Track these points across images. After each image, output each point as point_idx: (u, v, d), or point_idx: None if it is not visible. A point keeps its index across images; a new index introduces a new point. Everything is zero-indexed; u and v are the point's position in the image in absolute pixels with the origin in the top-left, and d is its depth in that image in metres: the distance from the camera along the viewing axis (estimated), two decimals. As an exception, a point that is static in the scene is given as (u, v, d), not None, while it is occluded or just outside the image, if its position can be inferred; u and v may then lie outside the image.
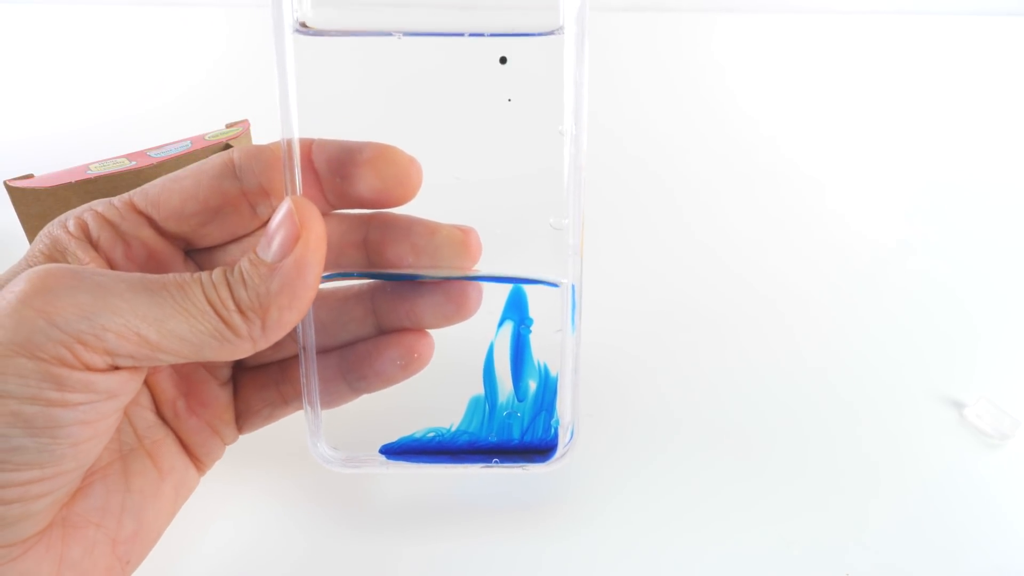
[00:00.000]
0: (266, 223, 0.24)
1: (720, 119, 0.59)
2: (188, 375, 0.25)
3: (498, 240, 0.25)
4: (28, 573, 0.20)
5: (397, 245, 0.24)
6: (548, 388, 0.26)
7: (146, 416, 0.24)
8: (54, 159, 0.41)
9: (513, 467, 0.26)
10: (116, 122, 0.54)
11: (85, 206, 0.23)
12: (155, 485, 0.23)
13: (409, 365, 0.26)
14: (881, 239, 0.46)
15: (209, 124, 0.43)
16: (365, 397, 0.26)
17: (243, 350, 0.21)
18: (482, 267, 0.25)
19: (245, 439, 0.27)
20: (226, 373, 0.26)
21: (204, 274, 0.20)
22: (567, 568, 0.28)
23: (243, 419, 0.26)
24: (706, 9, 0.75)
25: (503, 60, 0.22)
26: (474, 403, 0.26)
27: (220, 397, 0.25)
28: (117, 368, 0.19)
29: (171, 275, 0.20)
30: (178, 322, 0.19)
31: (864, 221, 0.48)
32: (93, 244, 0.22)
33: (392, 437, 0.26)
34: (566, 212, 0.23)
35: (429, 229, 0.24)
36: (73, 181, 0.36)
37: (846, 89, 0.64)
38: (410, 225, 0.24)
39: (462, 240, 0.24)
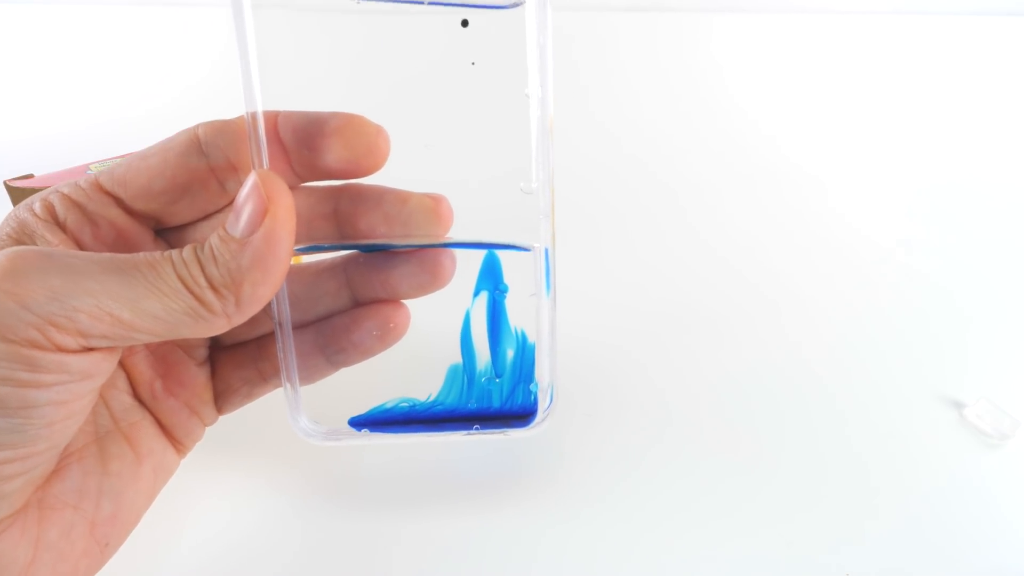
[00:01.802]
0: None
1: (720, 119, 0.59)
2: (164, 356, 0.25)
3: (470, 207, 0.24)
4: (4, 554, 0.20)
5: (368, 216, 0.24)
6: (526, 354, 0.26)
7: (122, 399, 0.24)
8: (54, 159, 0.41)
9: (494, 433, 0.26)
10: (116, 122, 0.54)
11: (51, 188, 0.23)
12: (133, 468, 0.23)
13: (386, 336, 0.25)
14: (881, 239, 0.46)
15: (209, 124, 0.43)
16: (345, 371, 0.26)
17: (218, 326, 0.21)
18: (454, 234, 0.25)
19: (226, 421, 0.27)
20: (203, 353, 0.25)
21: (175, 252, 0.20)
22: (555, 552, 0.28)
23: (222, 399, 0.26)
24: (706, 9, 0.75)
25: (464, 23, 0.22)
26: (452, 372, 0.26)
27: (198, 377, 0.25)
28: (91, 349, 0.19)
29: (142, 254, 0.20)
30: (151, 301, 0.19)
31: (864, 221, 0.48)
32: (60, 226, 0.22)
33: (366, 409, 0.26)
34: (535, 176, 0.23)
35: (400, 198, 0.24)
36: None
37: (846, 89, 0.64)
38: (381, 195, 0.24)
39: (433, 208, 0.24)
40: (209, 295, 0.20)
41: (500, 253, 0.25)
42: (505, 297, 0.26)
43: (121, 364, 0.24)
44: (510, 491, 0.31)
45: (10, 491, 0.19)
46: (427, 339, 0.26)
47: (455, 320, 0.26)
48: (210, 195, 0.23)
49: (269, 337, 0.26)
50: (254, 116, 0.22)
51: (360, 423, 0.26)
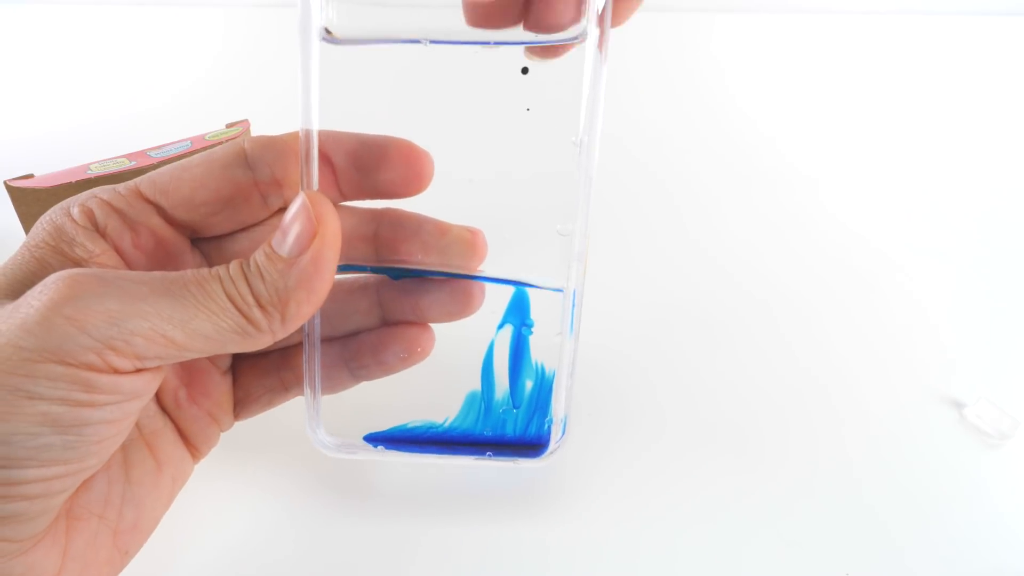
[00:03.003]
0: (276, 213, 0.24)
1: (720, 119, 0.59)
2: (190, 366, 0.25)
3: (506, 243, 0.25)
4: (35, 566, 0.20)
5: (407, 242, 0.25)
6: (544, 388, 0.27)
7: (148, 407, 0.24)
8: (54, 159, 0.41)
9: (505, 461, 0.27)
10: (116, 122, 0.54)
11: (87, 193, 0.23)
12: (154, 475, 0.23)
13: (411, 357, 0.26)
14: (881, 239, 0.46)
15: (209, 124, 0.43)
16: (365, 388, 0.27)
17: (263, 342, 0.21)
18: (488, 268, 0.26)
19: (241, 428, 0.27)
20: (227, 362, 0.26)
21: (222, 269, 0.21)
22: (560, 556, 0.28)
23: (241, 406, 0.26)
24: (706, 9, 0.74)
25: (525, 71, 0.23)
26: (471, 399, 0.27)
27: (221, 386, 0.25)
28: (142, 370, 0.20)
29: (189, 273, 0.20)
30: (202, 321, 0.20)
31: (864, 221, 0.48)
32: (100, 232, 0.22)
33: (388, 427, 0.27)
34: (573, 219, 0.24)
35: (440, 229, 0.25)
36: (73, 181, 0.36)
37: (846, 89, 0.64)
38: (420, 223, 0.25)
39: (470, 241, 0.25)
40: (256, 313, 0.20)
41: (529, 290, 0.26)
42: (530, 332, 0.26)
43: None
44: (516, 492, 0.31)
45: (55, 506, 0.20)
46: (450, 365, 0.27)
47: (479, 349, 0.26)
48: (252, 208, 0.24)
49: (294, 348, 0.26)
50: (308, 135, 0.22)
51: (377, 439, 0.27)
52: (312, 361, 0.25)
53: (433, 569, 0.28)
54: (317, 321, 0.25)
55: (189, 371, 0.25)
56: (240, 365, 0.26)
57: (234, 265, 0.21)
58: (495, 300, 0.26)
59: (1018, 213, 0.49)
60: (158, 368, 0.20)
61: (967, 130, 0.59)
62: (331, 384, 0.26)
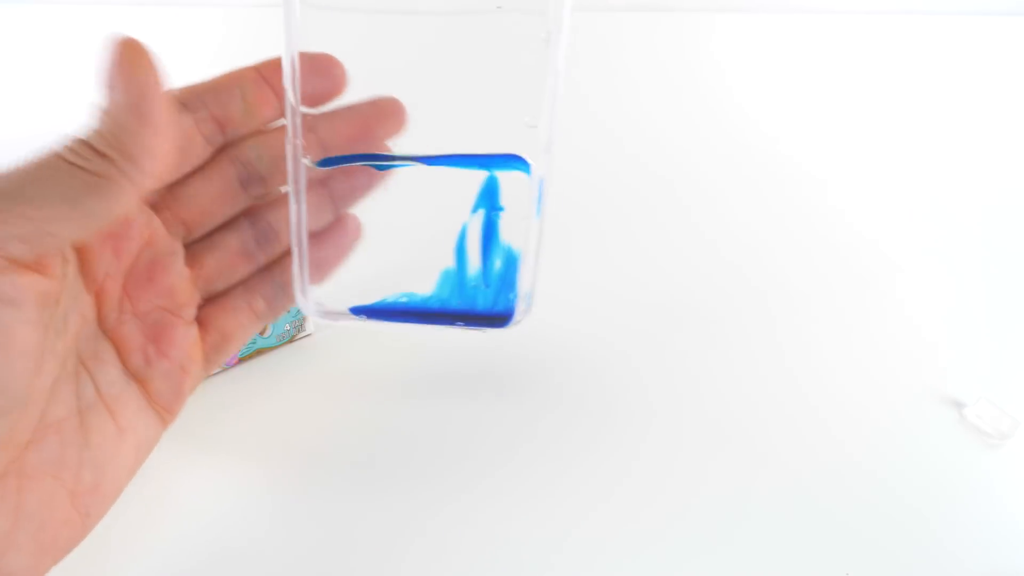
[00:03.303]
0: (218, 149, 0.25)
1: (720, 119, 0.59)
2: (155, 322, 0.25)
3: (478, 137, 0.27)
4: None
5: (342, 131, 0.26)
6: (511, 266, 0.29)
7: (107, 372, 0.24)
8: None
9: (475, 330, 0.29)
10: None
11: None
12: (115, 440, 0.23)
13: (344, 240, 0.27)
14: (881, 239, 0.46)
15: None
16: (350, 265, 0.28)
17: (126, 192, 0.21)
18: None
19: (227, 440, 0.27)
20: (191, 312, 0.26)
21: (58, 143, 0.21)
22: (561, 558, 0.28)
23: (219, 348, 0.26)
24: (706, 9, 0.74)
25: None
26: (446, 275, 0.29)
27: (188, 336, 0.25)
28: (16, 264, 0.19)
29: (33, 159, 0.20)
30: (50, 187, 0.20)
31: (864, 221, 0.48)
32: None
33: (371, 300, 0.29)
34: (540, 112, 0.26)
35: (358, 107, 0.25)
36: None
37: (846, 89, 0.64)
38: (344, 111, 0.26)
39: (391, 102, 0.25)
40: (99, 163, 0.20)
41: (499, 176, 0.28)
42: (499, 216, 0.28)
43: (109, 336, 0.24)
44: (506, 500, 0.31)
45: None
46: (426, 245, 0.29)
47: (453, 230, 0.28)
48: (195, 149, 0.24)
49: (255, 277, 0.27)
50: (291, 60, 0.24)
51: (362, 311, 0.29)
52: (299, 226, 0.26)
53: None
54: (302, 180, 0.25)
55: (155, 327, 0.25)
56: (209, 312, 0.26)
57: (64, 140, 0.21)
58: (468, 186, 0.28)
59: (1018, 213, 0.49)
60: (33, 270, 0.20)
61: (967, 130, 0.59)
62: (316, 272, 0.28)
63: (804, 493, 0.31)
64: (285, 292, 0.27)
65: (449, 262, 0.29)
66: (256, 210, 0.26)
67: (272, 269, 0.27)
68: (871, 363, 0.37)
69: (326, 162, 0.26)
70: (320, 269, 0.27)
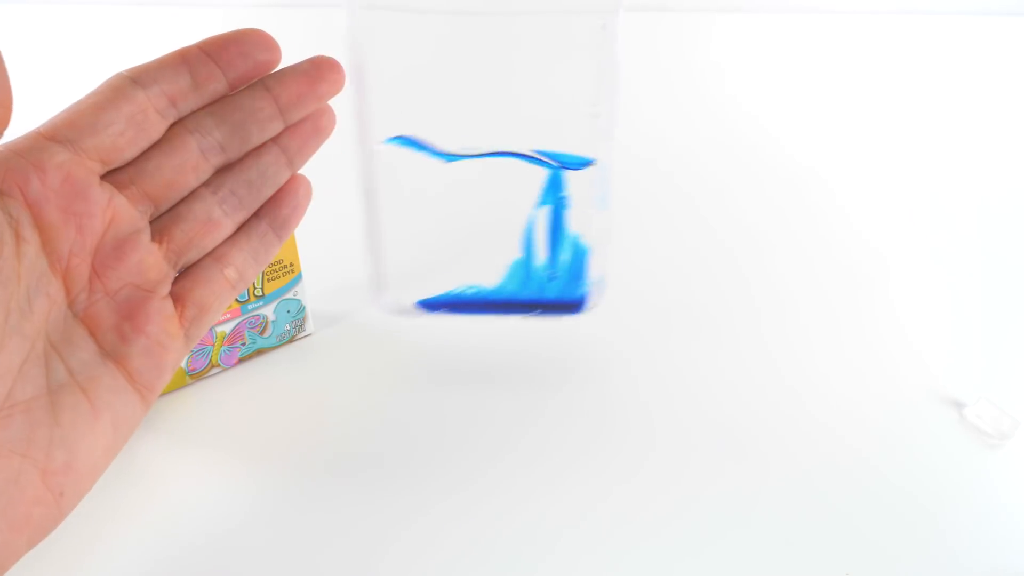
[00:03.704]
0: (173, 124, 0.25)
1: (720, 119, 0.59)
2: (127, 299, 0.25)
3: (542, 128, 0.28)
4: None
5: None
6: (581, 253, 0.30)
7: (80, 355, 0.24)
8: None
9: (548, 318, 0.31)
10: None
11: None
12: (88, 420, 0.23)
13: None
14: (881, 239, 0.46)
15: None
16: (420, 259, 0.30)
17: None
18: (525, 149, 0.29)
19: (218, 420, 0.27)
20: (165, 288, 0.26)
21: None
22: (561, 556, 0.28)
23: (198, 321, 0.26)
24: (706, 9, 0.74)
25: None
26: (515, 266, 0.30)
27: (163, 309, 0.25)
28: None
29: None
30: None
31: (864, 221, 0.48)
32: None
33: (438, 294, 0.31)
34: (601, 100, 0.27)
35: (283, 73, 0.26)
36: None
37: (846, 89, 0.64)
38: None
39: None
40: None
41: (567, 171, 0.29)
42: (565, 206, 0.29)
43: (81, 317, 0.24)
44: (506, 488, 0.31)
45: None
46: (495, 238, 0.30)
47: (520, 222, 0.30)
48: (150, 122, 0.24)
49: (224, 245, 0.27)
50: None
51: (431, 305, 0.31)
52: (375, 232, 0.28)
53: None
54: (377, 191, 0.27)
55: (127, 304, 0.25)
56: (183, 285, 0.26)
57: None
58: (534, 180, 0.29)
59: (1018, 213, 0.49)
60: None
61: (967, 130, 0.59)
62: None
63: (804, 493, 0.31)
64: (255, 259, 0.27)
65: (517, 254, 0.30)
66: (217, 177, 0.26)
67: (238, 237, 0.27)
68: (871, 363, 0.37)
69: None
70: (282, 230, 0.28)
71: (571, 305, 0.31)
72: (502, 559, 0.28)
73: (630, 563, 0.28)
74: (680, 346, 0.38)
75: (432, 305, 0.30)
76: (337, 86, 0.27)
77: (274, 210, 0.28)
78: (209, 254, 0.27)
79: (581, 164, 0.28)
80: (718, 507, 0.30)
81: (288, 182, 0.28)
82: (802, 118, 0.60)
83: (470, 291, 0.30)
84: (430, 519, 0.30)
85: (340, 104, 0.27)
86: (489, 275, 0.30)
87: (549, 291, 0.31)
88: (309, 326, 0.38)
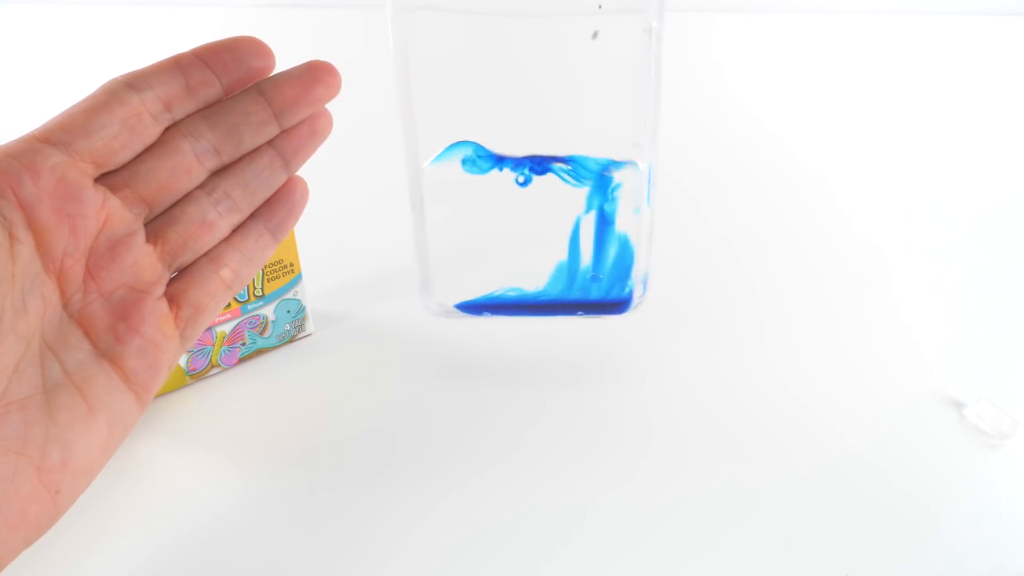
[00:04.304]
0: (167, 129, 0.25)
1: (720, 119, 0.59)
2: (121, 299, 0.25)
3: (587, 131, 0.29)
4: None
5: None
6: (626, 255, 0.31)
7: (75, 355, 0.24)
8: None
9: (594, 317, 0.32)
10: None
11: None
12: (84, 419, 0.23)
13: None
14: (881, 238, 0.46)
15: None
16: (469, 264, 0.31)
17: None
18: (572, 151, 0.30)
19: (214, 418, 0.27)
20: (159, 289, 0.26)
21: None
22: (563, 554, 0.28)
23: (193, 322, 0.27)
24: (706, 9, 0.74)
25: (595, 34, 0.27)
26: (559, 268, 0.31)
27: (158, 310, 0.25)
28: None
29: None
30: None
31: (864, 221, 0.48)
32: None
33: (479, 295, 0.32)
34: (646, 104, 0.28)
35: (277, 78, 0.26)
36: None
37: (846, 89, 0.64)
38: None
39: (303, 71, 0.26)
40: None
41: (612, 173, 0.30)
42: (612, 210, 0.30)
43: (76, 318, 0.24)
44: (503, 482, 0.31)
45: None
46: (541, 239, 0.31)
47: (567, 225, 0.30)
48: (144, 126, 0.24)
49: (219, 247, 0.27)
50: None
51: (472, 307, 0.31)
52: (421, 237, 0.28)
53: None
54: (424, 210, 0.28)
55: (121, 305, 0.25)
56: (178, 286, 0.27)
57: None
58: (581, 182, 0.30)
59: (1018, 213, 0.49)
60: None
61: (967, 130, 0.59)
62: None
63: (804, 493, 0.31)
64: (250, 260, 0.27)
65: (562, 256, 0.31)
66: (212, 179, 0.27)
67: (234, 238, 0.27)
68: (871, 363, 0.37)
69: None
70: (278, 231, 0.28)
71: (616, 304, 0.32)
72: (503, 559, 0.28)
73: (632, 562, 0.28)
74: (680, 346, 0.38)
75: (473, 307, 0.31)
76: (333, 90, 0.27)
77: (270, 211, 0.28)
78: (204, 255, 0.27)
79: (624, 166, 0.29)
80: (718, 506, 0.30)
81: (285, 184, 0.28)
82: (803, 118, 0.60)
83: (511, 293, 0.31)
84: (431, 519, 0.30)
85: (336, 107, 0.27)
86: (535, 278, 0.31)
87: (593, 292, 0.31)
88: (309, 326, 0.38)
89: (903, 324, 0.40)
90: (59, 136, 0.23)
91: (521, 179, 0.29)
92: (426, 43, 0.27)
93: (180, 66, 0.25)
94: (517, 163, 0.29)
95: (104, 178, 0.25)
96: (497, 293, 0.31)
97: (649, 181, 0.29)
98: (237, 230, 0.27)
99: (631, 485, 0.31)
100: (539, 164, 0.29)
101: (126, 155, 0.24)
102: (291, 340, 0.38)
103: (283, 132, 0.27)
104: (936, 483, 0.31)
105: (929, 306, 0.41)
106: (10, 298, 0.22)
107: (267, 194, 0.28)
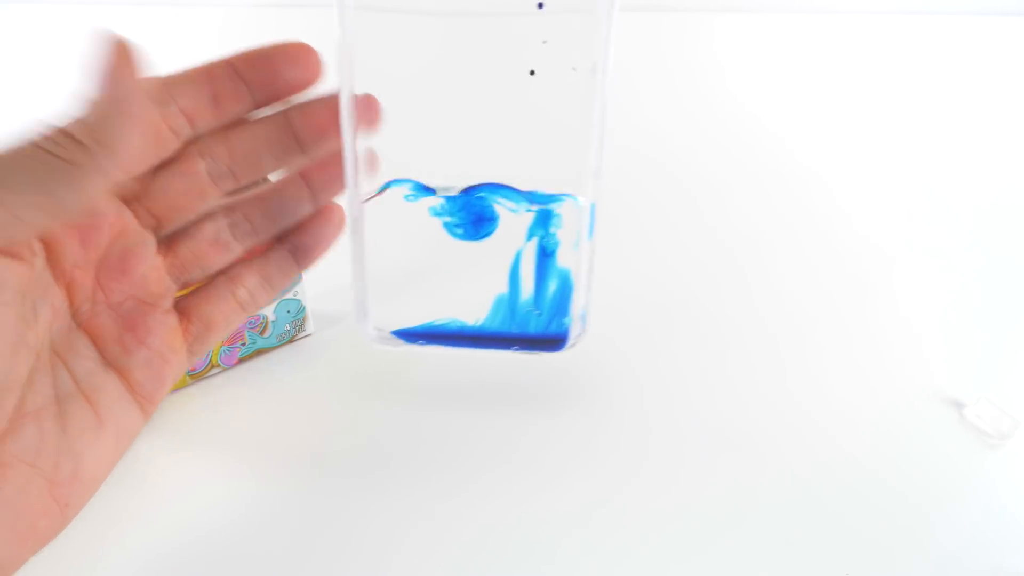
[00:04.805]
0: (187, 143, 0.25)
1: (720, 119, 0.59)
2: (129, 311, 0.25)
3: (529, 165, 0.28)
4: None
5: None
6: (565, 289, 0.30)
7: (84, 364, 0.24)
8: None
9: (530, 354, 0.31)
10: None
11: None
12: (94, 430, 0.23)
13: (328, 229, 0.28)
14: (881, 238, 0.46)
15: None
16: (407, 291, 0.30)
17: (94, 179, 0.21)
18: (514, 184, 0.29)
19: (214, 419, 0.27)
20: (167, 302, 0.26)
21: (35, 135, 0.21)
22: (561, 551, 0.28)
23: (203, 339, 0.26)
24: (706, 9, 0.74)
25: (540, 5, 0.25)
26: (499, 301, 0.30)
27: (165, 323, 0.25)
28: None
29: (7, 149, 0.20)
30: (21, 174, 0.19)
31: (864, 221, 0.48)
32: None
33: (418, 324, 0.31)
34: (589, 140, 0.27)
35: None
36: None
37: (846, 89, 0.64)
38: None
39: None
40: (72, 148, 0.20)
41: (554, 207, 0.29)
42: (553, 244, 0.30)
43: (84, 327, 0.24)
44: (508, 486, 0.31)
45: None
46: (479, 272, 0.30)
47: (507, 258, 0.30)
48: (163, 139, 0.24)
49: (239, 266, 0.27)
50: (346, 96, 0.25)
51: (408, 335, 0.30)
52: (360, 260, 0.28)
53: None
54: (365, 230, 0.27)
55: (129, 317, 0.25)
56: (192, 301, 0.26)
57: (42, 127, 0.21)
58: (522, 215, 0.29)
59: (1018, 213, 0.49)
60: (11, 256, 0.20)
61: (967, 130, 0.59)
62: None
63: (804, 493, 0.31)
64: (269, 284, 0.27)
65: (503, 288, 0.30)
66: (233, 200, 0.26)
67: (255, 261, 0.27)
68: (871, 363, 0.37)
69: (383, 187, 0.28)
70: (304, 258, 0.28)
71: (552, 341, 0.30)
72: (505, 558, 0.28)
73: (632, 563, 0.28)
74: (680, 345, 0.38)
75: (410, 335, 0.30)
76: (372, 126, 0.26)
77: (297, 237, 0.27)
78: (222, 273, 0.27)
79: (565, 200, 0.29)
80: (717, 507, 0.30)
81: (320, 210, 0.27)
82: (803, 118, 0.60)
83: (452, 324, 0.30)
84: (431, 519, 0.30)
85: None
86: (475, 309, 0.30)
87: (532, 326, 0.30)
88: (309, 326, 0.38)
89: (903, 324, 0.40)
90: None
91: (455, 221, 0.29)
92: (367, 73, 0.26)
93: (211, 77, 0.24)
94: (451, 200, 0.29)
95: (118, 189, 0.24)
96: (437, 322, 0.30)
97: (592, 216, 0.29)
98: (260, 252, 0.27)
99: (633, 484, 0.31)
100: (477, 198, 0.29)
101: (141, 168, 0.24)
102: (291, 340, 0.38)
103: (315, 165, 0.26)
104: (936, 483, 0.31)
105: (929, 306, 0.41)
106: (21, 309, 0.21)
107: (289, 223, 0.27)
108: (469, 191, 0.28)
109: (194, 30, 0.67)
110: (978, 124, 0.60)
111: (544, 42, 0.26)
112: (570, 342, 0.31)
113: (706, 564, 0.28)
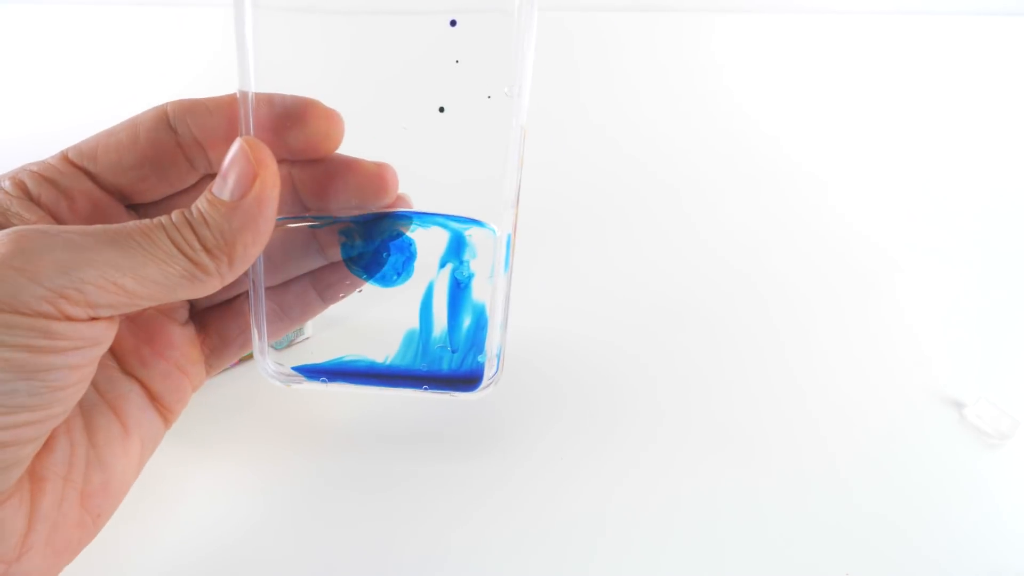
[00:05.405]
0: (204, 178, 0.25)
1: (720, 119, 0.59)
2: (146, 323, 0.25)
3: (442, 191, 0.27)
4: (5, 522, 0.20)
5: (325, 187, 0.25)
6: (480, 327, 0.28)
7: (107, 373, 0.24)
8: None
9: (442, 394, 0.28)
10: (114, 122, 0.54)
11: (18, 167, 0.23)
12: (121, 439, 0.23)
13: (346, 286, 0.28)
14: (881, 238, 0.46)
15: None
16: (312, 331, 0.30)
17: (212, 286, 0.22)
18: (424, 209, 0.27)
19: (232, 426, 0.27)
20: (183, 315, 0.26)
21: (164, 218, 0.21)
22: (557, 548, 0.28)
23: (219, 353, 0.27)
24: (706, 9, 0.74)
25: (453, 23, 0.24)
26: (409, 336, 0.28)
27: (183, 337, 0.26)
28: (96, 318, 0.20)
29: (132, 224, 0.21)
30: (151, 268, 0.20)
31: (864, 221, 0.48)
32: (35, 201, 0.23)
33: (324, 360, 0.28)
34: (505, 167, 0.25)
35: (346, 165, 0.25)
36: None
37: (846, 89, 0.64)
38: (333, 165, 0.25)
39: (377, 174, 0.25)
40: (203, 257, 0.21)
41: (468, 235, 0.27)
42: (466, 275, 0.28)
43: None
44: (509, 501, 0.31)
45: (24, 456, 0.20)
46: (389, 306, 0.28)
47: (418, 290, 0.28)
48: (179, 171, 0.24)
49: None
50: (244, 94, 0.23)
51: (310, 372, 0.28)
52: (258, 302, 0.26)
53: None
54: (260, 262, 0.25)
55: (146, 329, 0.25)
56: (211, 313, 0.27)
57: (176, 214, 0.21)
58: (433, 244, 0.27)
59: (1018, 213, 0.49)
60: (112, 318, 0.21)
61: (967, 130, 0.59)
62: (303, 311, 0.28)
63: (804, 493, 0.31)
64: (290, 319, 0.27)
65: (413, 323, 0.28)
66: None
67: (274, 289, 0.27)
68: (871, 363, 0.37)
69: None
70: (328, 296, 0.27)
71: (465, 380, 0.28)
72: (508, 558, 0.28)
73: (630, 563, 0.28)
74: (680, 345, 0.38)
75: (312, 372, 0.28)
76: (382, 196, 0.25)
77: (323, 277, 0.27)
78: (244, 292, 0.27)
79: (480, 226, 0.27)
80: (717, 506, 0.30)
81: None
82: (803, 118, 0.60)
83: (359, 361, 0.28)
84: (433, 519, 0.30)
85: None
86: (384, 345, 0.28)
87: (445, 364, 0.28)
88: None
89: (903, 324, 0.40)
90: (89, 165, 0.23)
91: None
92: (265, 79, 0.24)
93: (224, 111, 0.24)
94: (342, 226, 0.27)
95: (135, 208, 0.25)
96: (344, 359, 0.28)
97: (508, 248, 0.26)
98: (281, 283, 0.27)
99: (634, 482, 0.31)
100: (372, 225, 0.27)
101: (157, 196, 0.24)
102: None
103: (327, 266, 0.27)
104: (936, 483, 0.31)
105: (929, 306, 0.41)
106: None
107: (302, 319, 0.27)
108: (371, 220, 0.27)
109: (194, 30, 0.67)
110: (978, 124, 0.60)
111: (456, 62, 0.24)
112: (484, 382, 0.28)
113: (706, 564, 0.28)
